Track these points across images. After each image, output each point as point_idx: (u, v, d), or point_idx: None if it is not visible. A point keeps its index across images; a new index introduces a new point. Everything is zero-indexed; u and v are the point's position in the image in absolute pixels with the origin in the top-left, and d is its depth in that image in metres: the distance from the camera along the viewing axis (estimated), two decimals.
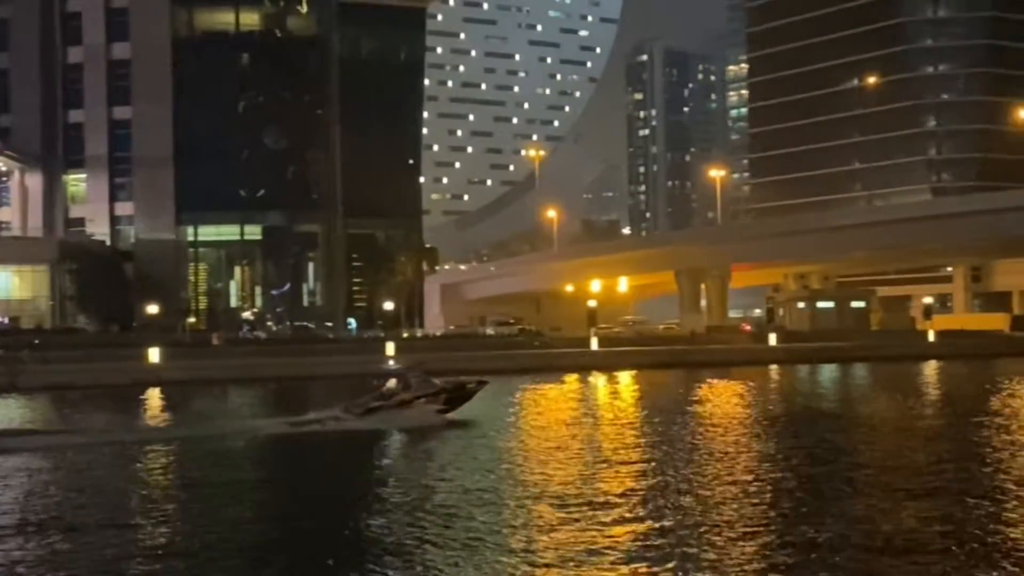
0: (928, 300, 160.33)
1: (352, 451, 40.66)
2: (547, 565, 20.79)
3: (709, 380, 74.51)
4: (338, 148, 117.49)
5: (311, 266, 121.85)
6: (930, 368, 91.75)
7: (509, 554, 21.68)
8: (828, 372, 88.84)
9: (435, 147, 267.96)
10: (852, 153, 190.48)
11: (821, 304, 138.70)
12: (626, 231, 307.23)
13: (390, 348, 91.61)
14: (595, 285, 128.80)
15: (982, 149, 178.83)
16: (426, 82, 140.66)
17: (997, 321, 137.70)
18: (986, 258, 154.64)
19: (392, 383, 46.65)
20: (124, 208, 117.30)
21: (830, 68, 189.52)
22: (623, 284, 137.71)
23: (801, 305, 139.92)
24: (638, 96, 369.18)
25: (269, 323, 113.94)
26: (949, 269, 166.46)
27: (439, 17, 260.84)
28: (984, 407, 52.26)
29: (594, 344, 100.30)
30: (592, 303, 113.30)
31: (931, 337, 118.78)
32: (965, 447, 37.68)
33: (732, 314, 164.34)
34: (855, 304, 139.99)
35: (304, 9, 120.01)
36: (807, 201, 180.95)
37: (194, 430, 45.97)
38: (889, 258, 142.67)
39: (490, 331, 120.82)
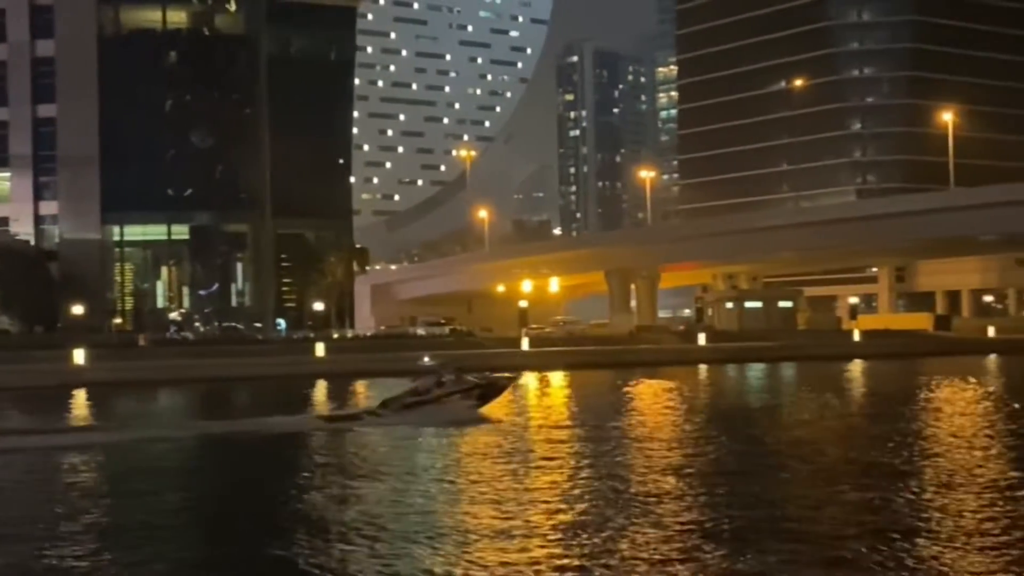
0: (854, 300, 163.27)
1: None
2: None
3: (640, 379, 75.05)
4: (267, 147, 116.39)
5: (239, 266, 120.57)
6: (854, 367, 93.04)
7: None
8: (755, 371, 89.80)
9: (365, 147, 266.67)
10: (780, 155, 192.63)
11: (749, 304, 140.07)
12: (557, 231, 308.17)
13: (320, 349, 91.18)
14: (526, 285, 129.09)
15: (907, 151, 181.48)
16: (356, 82, 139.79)
17: (921, 321, 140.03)
18: (910, 259, 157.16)
19: (427, 380, 48.06)
20: (48, 207, 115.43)
21: (758, 70, 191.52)
22: (554, 284, 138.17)
23: (729, 305, 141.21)
24: (569, 97, 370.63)
25: (197, 324, 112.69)
26: (874, 270, 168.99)
27: (369, 17, 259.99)
28: (891, 405, 53.44)
29: (525, 344, 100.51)
30: (523, 303, 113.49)
31: (856, 337, 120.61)
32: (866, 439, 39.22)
33: (662, 314, 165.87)
34: (782, 304, 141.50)
35: (232, 7, 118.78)
36: (736, 202, 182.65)
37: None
38: (816, 259, 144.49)
39: (421, 332, 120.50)
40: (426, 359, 56.05)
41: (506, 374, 52.43)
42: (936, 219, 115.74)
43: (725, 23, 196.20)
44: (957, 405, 55.26)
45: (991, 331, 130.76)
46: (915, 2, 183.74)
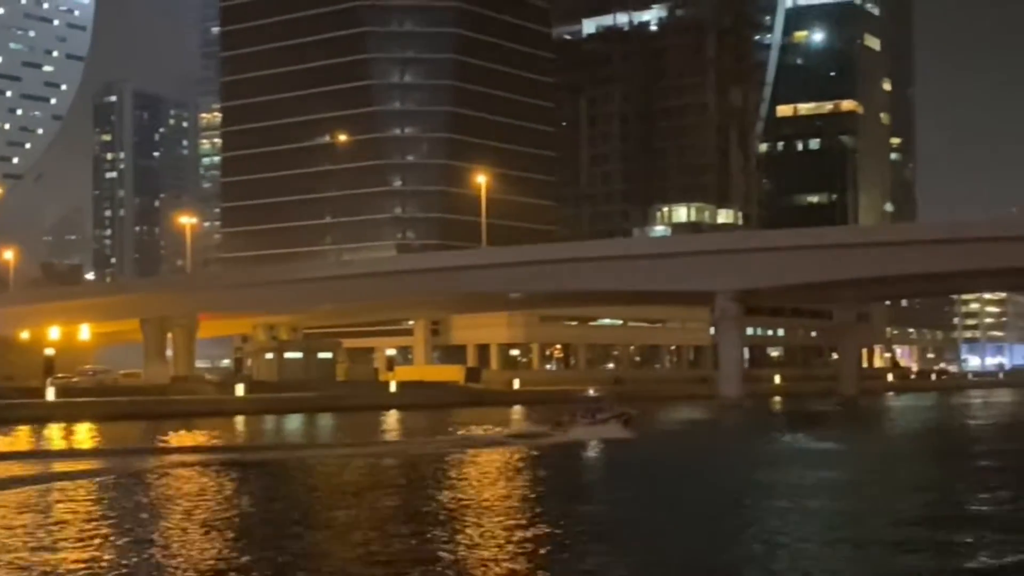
0: (391, 352, 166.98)
1: None
2: None
3: (175, 431, 72.81)
4: None
5: None
6: (389, 417, 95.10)
7: None
8: (292, 422, 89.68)
9: None
10: (324, 207, 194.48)
11: (289, 355, 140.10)
12: (90, 276, 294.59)
13: None
14: (54, 332, 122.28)
15: (444, 210, 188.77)
16: None
17: (453, 373, 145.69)
18: (445, 313, 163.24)
19: (590, 406, 65.88)
20: None
21: (303, 123, 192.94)
22: (85, 331, 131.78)
23: (269, 356, 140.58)
24: (106, 137, 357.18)
25: None
26: (411, 323, 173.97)
27: None
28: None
29: (51, 394, 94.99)
30: (49, 351, 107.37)
31: (393, 388, 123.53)
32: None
33: (200, 364, 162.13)
34: (322, 355, 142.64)
35: None
36: (279, 252, 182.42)
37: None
38: (355, 311, 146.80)
39: None
40: (591, 391, 74.19)
41: (632, 409, 68.07)
42: (468, 276, 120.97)
43: (268, 74, 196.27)
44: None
45: (516, 383, 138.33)
46: (454, 68, 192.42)
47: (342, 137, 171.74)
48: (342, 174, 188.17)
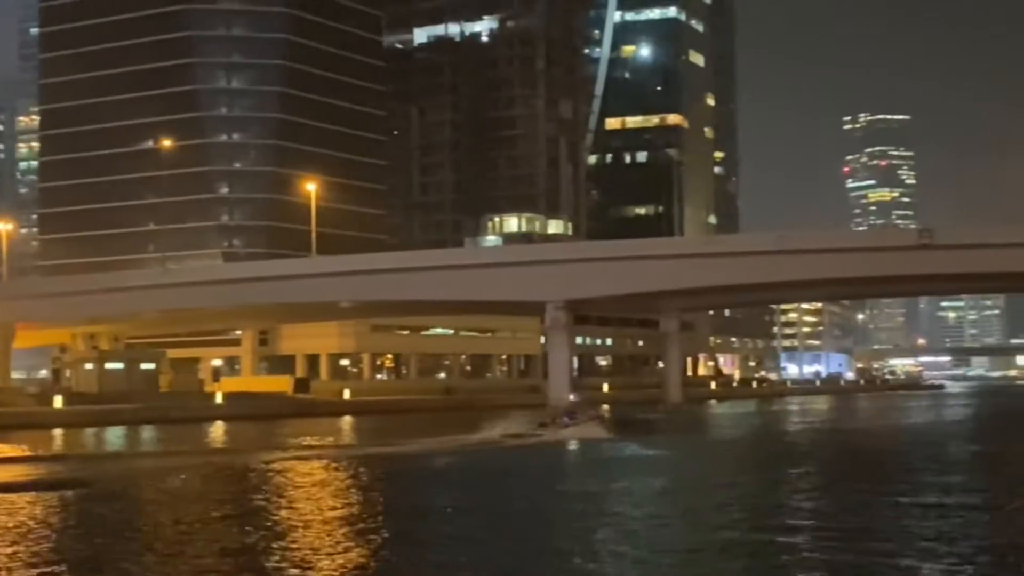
0: (217, 362, 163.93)
1: None
2: None
3: None
4: None
5: None
6: (216, 429, 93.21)
7: None
8: (114, 434, 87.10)
9: None
10: (148, 215, 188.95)
11: (110, 365, 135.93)
12: None
13: None
14: None
15: (272, 218, 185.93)
16: None
17: (282, 383, 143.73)
18: (274, 322, 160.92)
19: (571, 410, 77.58)
20: None
21: (125, 128, 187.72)
22: None
23: (89, 366, 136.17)
24: None
25: None
26: (238, 332, 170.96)
27: None
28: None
29: None
30: None
31: (219, 399, 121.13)
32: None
33: (16, 375, 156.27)
34: (145, 366, 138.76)
35: None
36: (101, 260, 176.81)
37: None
38: (180, 320, 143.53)
39: None
40: (571, 397, 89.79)
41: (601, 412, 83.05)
42: (298, 285, 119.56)
43: (92, 77, 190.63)
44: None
45: (347, 393, 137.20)
46: (283, 74, 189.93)
47: (167, 142, 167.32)
48: (167, 180, 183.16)
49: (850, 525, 33.52)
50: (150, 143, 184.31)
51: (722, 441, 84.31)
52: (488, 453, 63.37)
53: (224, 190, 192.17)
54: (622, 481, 47.84)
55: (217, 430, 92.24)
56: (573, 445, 67.40)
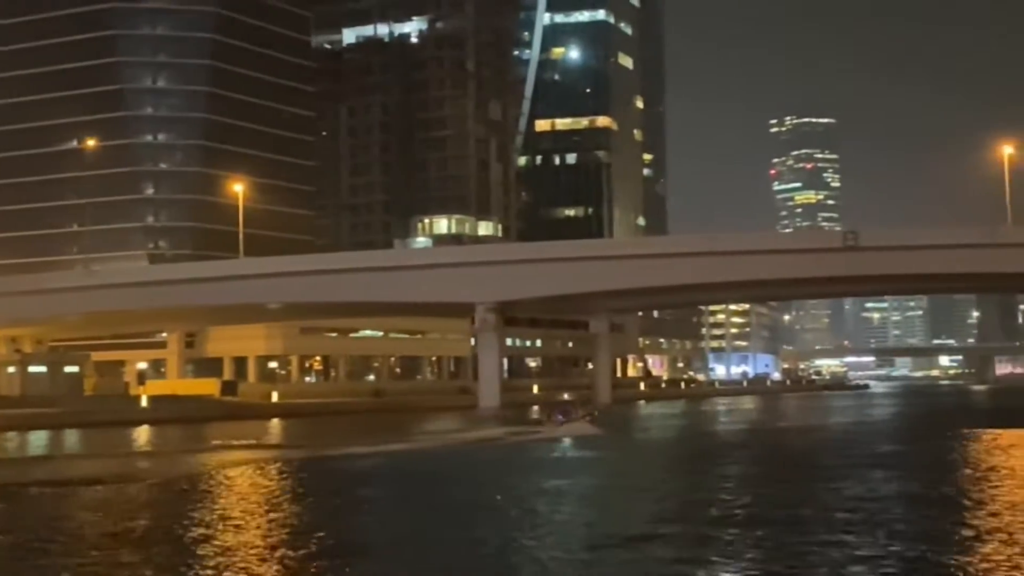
0: (142, 365, 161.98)
1: None
2: None
3: None
4: None
5: None
6: (140, 433, 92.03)
7: None
8: (36, 439, 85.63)
9: None
10: (71, 215, 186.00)
11: (33, 368, 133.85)
12: None
13: None
14: None
15: (199, 219, 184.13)
16: None
17: (209, 386, 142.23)
18: (201, 325, 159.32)
19: (565, 408, 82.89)
20: None
21: (49, 128, 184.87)
22: None
23: (11, 369, 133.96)
24: None
25: None
26: (164, 335, 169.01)
27: None
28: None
29: None
30: None
31: (144, 402, 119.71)
32: None
33: None
34: (69, 369, 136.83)
35: None
36: (24, 262, 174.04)
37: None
38: (104, 322, 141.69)
39: None
40: (565, 395, 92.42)
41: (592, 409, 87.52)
42: (225, 287, 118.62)
43: (12, 76, 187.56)
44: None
45: (275, 396, 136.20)
46: (210, 73, 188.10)
47: (91, 142, 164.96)
48: (91, 181, 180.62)
49: (765, 515, 33.92)
50: (74, 143, 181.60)
51: (650, 441, 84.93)
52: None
53: (150, 191, 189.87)
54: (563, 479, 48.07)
55: (142, 434, 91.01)
56: (567, 441, 70.80)
